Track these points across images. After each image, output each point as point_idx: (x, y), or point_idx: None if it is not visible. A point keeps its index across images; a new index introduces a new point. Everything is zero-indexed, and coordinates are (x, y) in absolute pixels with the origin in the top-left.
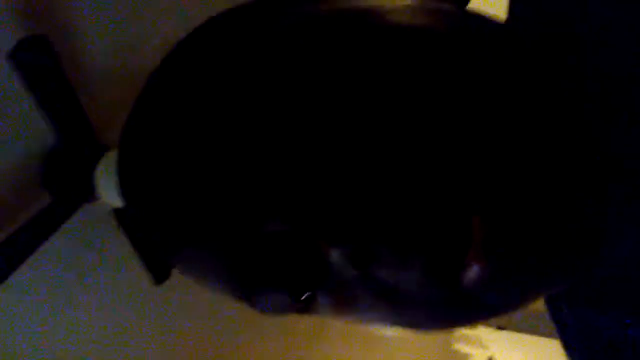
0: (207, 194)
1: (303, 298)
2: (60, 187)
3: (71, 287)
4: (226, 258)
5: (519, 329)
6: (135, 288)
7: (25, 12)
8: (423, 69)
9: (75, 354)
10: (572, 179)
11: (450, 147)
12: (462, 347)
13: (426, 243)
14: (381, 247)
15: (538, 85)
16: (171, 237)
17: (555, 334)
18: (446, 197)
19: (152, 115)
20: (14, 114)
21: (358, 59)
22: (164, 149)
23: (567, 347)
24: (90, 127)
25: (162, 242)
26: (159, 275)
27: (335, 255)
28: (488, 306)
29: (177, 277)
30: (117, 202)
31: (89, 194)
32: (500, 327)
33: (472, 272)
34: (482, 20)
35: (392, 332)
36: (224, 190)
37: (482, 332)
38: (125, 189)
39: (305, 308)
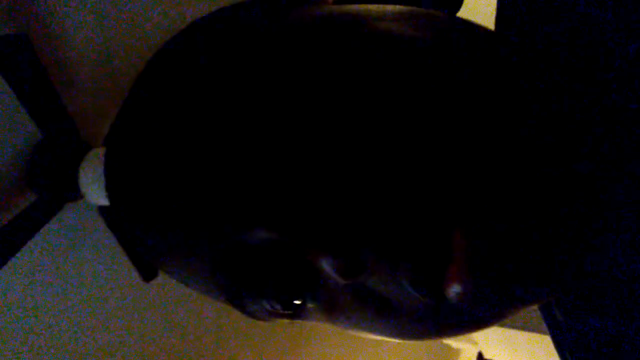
0: (193, 199)
1: (291, 305)
2: (44, 184)
3: (58, 284)
4: (212, 264)
5: (508, 325)
6: (124, 284)
7: (7, 10)
8: (406, 81)
9: (64, 350)
10: (556, 191)
11: (431, 158)
12: (452, 343)
13: (410, 254)
14: (369, 256)
15: (519, 99)
16: (156, 241)
17: (544, 330)
18: (427, 209)
19: (140, 117)
20: None
21: (342, 68)
22: (151, 151)
23: (559, 346)
24: (72, 124)
25: (146, 244)
26: (147, 273)
27: (323, 263)
28: (474, 318)
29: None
30: (101, 200)
31: (72, 191)
32: None
33: (456, 285)
34: (469, 30)
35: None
36: (210, 196)
37: None
38: (111, 189)
39: (294, 315)
